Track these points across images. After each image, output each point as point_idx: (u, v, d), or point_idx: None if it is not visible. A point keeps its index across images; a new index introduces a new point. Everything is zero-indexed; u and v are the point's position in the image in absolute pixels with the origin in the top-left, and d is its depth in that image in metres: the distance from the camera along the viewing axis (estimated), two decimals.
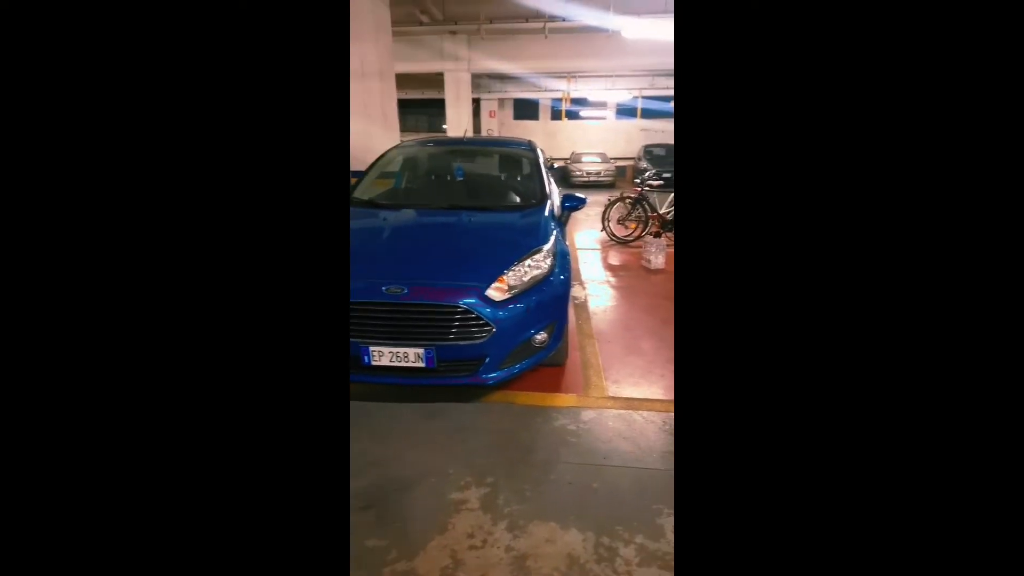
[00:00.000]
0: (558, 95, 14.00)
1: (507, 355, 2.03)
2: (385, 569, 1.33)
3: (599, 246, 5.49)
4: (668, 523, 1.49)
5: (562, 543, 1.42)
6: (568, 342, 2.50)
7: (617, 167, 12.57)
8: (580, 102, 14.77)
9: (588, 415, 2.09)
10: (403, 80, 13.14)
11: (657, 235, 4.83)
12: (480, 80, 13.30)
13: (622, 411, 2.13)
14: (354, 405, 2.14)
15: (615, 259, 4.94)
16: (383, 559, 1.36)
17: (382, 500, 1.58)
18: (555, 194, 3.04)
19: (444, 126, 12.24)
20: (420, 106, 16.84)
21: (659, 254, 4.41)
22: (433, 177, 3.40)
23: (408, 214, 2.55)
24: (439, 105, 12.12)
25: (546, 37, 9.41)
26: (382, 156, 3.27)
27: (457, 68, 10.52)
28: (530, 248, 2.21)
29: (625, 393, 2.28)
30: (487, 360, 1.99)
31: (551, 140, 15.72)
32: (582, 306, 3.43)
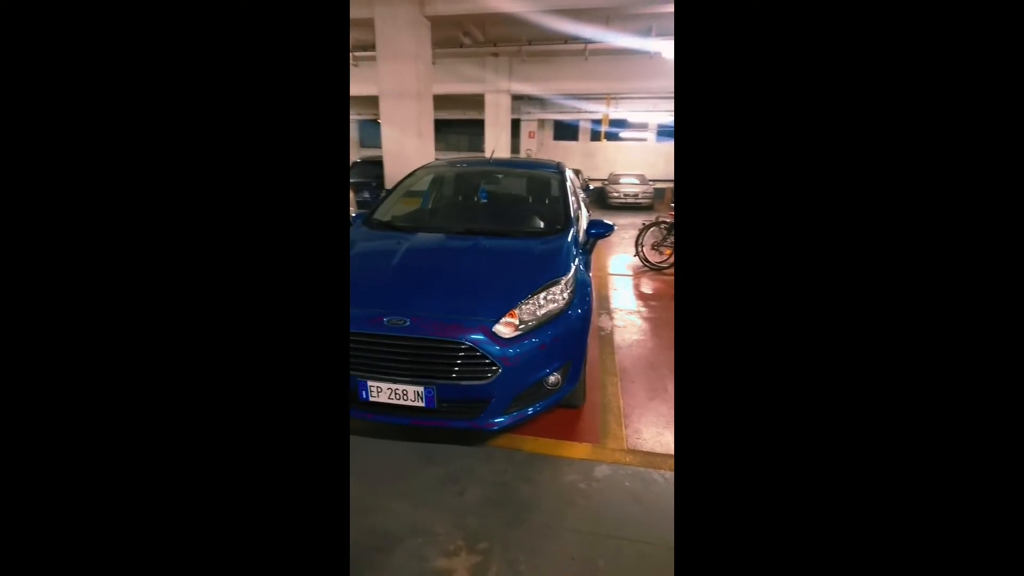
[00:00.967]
0: (597, 116, 13.89)
1: (514, 398, 1.85)
2: None
3: (631, 272, 5.23)
4: None
5: None
6: (586, 381, 2.29)
7: (656, 189, 12.24)
8: (620, 123, 14.61)
9: (602, 471, 1.87)
10: (445, 101, 13.45)
11: None
12: (520, 101, 13.40)
13: (640, 468, 1.89)
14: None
15: (647, 287, 4.68)
16: None
17: (359, 560, 1.42)
18: (582, 219, 2.87)
19: (485, 146, 12.35)
20: (462, 126, 17.16)
21: None
22: (459, 198, 3.30)
23: (422, 238, 2.43)
24: (480, 125, 12.26)
25: (586, 59, 9.36)
26: (408, 176, 3.20)
27: (497, 89, 10.62)
28: (547, 279, 2.03)
29: (646, 446, 2.04)
30: (492, 402, 1.81)
31: (589, 160, 15.59)
32: (607, 339, 3.20)
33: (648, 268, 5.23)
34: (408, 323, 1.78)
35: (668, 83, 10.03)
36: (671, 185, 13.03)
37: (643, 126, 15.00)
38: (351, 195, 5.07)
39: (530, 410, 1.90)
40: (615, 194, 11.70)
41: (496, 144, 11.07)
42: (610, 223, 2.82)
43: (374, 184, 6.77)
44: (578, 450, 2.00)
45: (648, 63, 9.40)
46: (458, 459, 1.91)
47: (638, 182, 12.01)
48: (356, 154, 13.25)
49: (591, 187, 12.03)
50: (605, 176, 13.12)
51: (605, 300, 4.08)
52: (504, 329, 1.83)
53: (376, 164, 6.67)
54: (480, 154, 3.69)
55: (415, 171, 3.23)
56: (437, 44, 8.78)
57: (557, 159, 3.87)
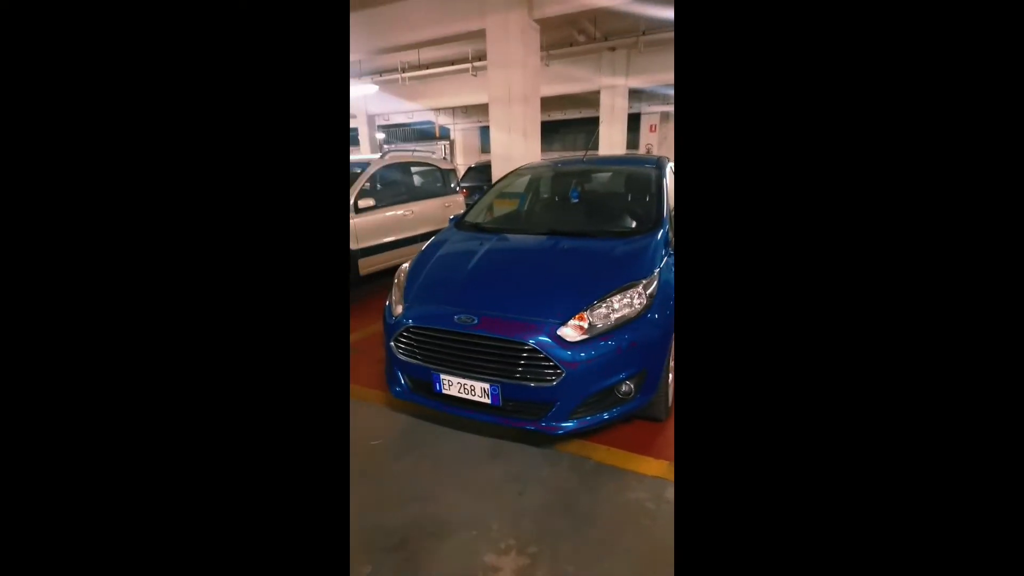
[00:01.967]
0: None
1: (580, 403, 1.79)
2: None
3: None
4: None
5: None
6: (670, 393, 2.12)
7: None
8: None
9: (673, 493, 1.71)
10: (560, 101, 13.47)
11: None
12: (641, 93, 12.83)
13: None
14: (422, 427, 2.14)
15: None
16: None
17: (414, 543, 1.51)
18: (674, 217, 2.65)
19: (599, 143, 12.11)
20: (579, 124, 17.05)
21: None
22: (553, 199, 3.30)
23: (504, 240, 2.48)
24: (597, 123, 12.05)
25: None
26: (501, 179, 3.29)
27: (613, 85, 10.32)
28: (623, 282, 1.93)
29: None
30: (556, 406, 1.78)
31: None
32: None
33: None
34: (476, 321, 1.84)
35: None
36: None
37: None
38: (461, 197, 5.36)
39: (598, 417, 1.82)
40: None
41: (614, 141, 10.77)
42: None
43: (485, 188, 7.12)
44: (652, 467, 1.86)
45: None
46: (524, 459, 1.91)
47: None
48: (477, 159, 14.03)
49: None
50: None
51: None
52: (571, 332, 1.78)
53: (485, 169, 6.98)
54: (583, 153, 3.62)
55: (507, 175, 3.30)
56: (551, 46, 8.85)
57: None
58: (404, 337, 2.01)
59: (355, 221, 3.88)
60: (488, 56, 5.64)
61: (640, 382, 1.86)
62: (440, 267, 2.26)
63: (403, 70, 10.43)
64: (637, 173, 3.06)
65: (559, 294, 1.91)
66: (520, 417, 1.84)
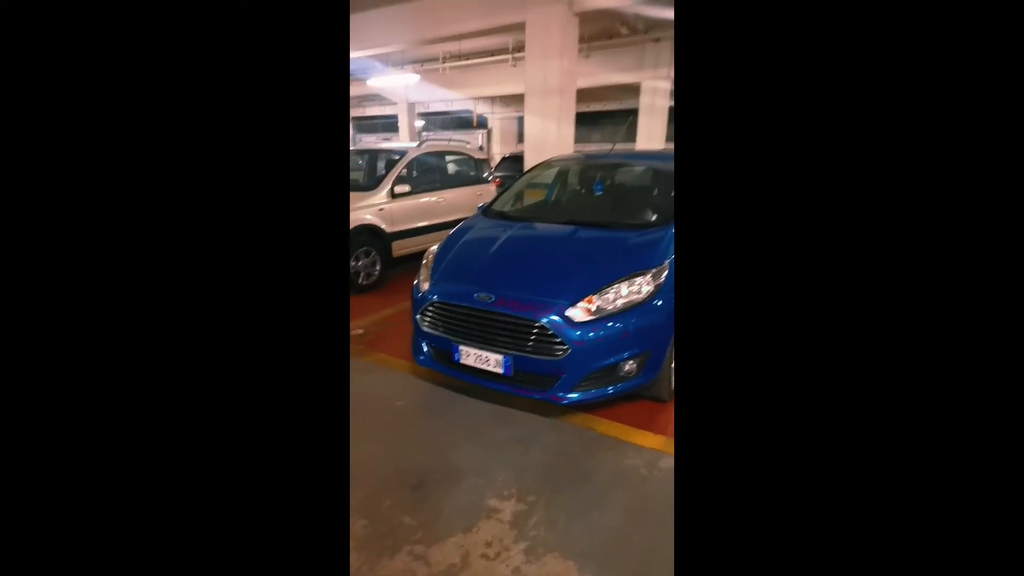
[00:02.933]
0: None
1: (584, 377, 1.97)
2: (405, 546, 1.47)
3: None
4: None
5: None
6: (673, 375, 2.25)
7: None
8: None
9: (667, 463, 1.86)
10: (600, 92, 13.34)
11: None
12: None
13: None
14: (440, 393, 2.37)
15: None
16: (409, 537, 1.51)
17: (430, 484, 1.73)
18: None
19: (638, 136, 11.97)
20: (620, 116, 16.82)
21: None
22: (578, 190, 3.44)
23: (526, 227, 2.66)
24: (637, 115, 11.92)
25: None
26: (529, 171, 3.46)
27: (656, 76, 10.18)
28: (633, 269, 2.08)
29: None
30: (562, 378, 1.96)
31: None
32: None
33: None
34: (493, 299, 2.04)
35: None
36: None
37: None
38: (494, 187, 5.55)
39: (601, 391, 1.99)
40: None
41: (654, 134, 10.65)
42: None
43: (516, 177, 7.26)
44: (651, 440, 2.01)
45: None
46: (532, 425, 2.11)
47: None
48: (513, 148, 14.14)
49: None
50: None
51: None
52: (578, 312, 1.95)
53: (520, 158, 7.13)
54: (611, 146, 3.74)
55: (536, 166, 3.47)
56: (592, 37, 8.83)
57: None
58: (429, 311, 2.24)
59: (390, 206, 4.15)
60: (527, 48, 5.76)
61: (643, 362, 2.02)
62: (465, 250, 2.46)
63: (444, 60, 10.66)
64: (659, 168, 3.16)
65: (571, 278, 2.08)
66: (528, 387, 2.04)
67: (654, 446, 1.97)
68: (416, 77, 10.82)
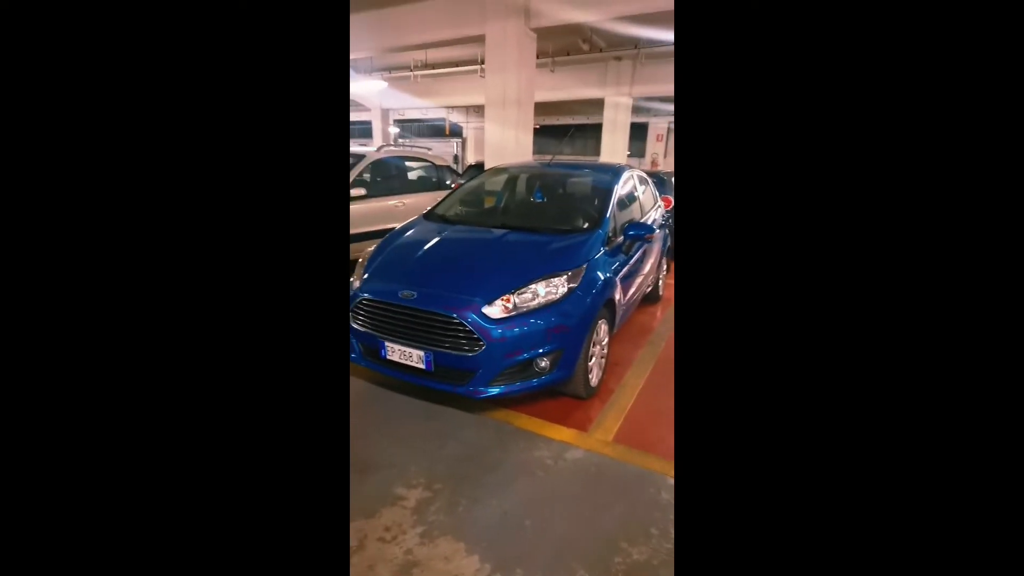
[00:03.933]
0: None
1: (499, 373, 2.06)
2: None
3: None
4: None
5: (456, 565, 1.41)
6: (592, 374, 2.38)
7: None
8: None
9: (573, 454, 1.97)
10: (569, 106, 13.68)
11: None
12: (649, 103, 13.04)
13: (610, 458, 1.94)
14: (370, 389, 2.42)
15: None
16: None
17: None
18: (618, 219, 2.85)
19: (602, 150, 12.30)
20: (591, 130, 17.27)
21: None
22: (517, 197, 3.56)
23: (458, 230, 2.75)
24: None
25: None
26: (472, 179, 3.58)
27: (617, 93, 10.55)
28: (550, 271, 2.19)
29: (631, 441, 2.07)
30: (478, 373, 2.05)
31: None
32: (658, 342, 3.16)
33: None
34: (416, 296, 2.11)
35: None
36: None
37: None
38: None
39: (516, 386, 2.09)
40: None
41: (617, 149, 10.98)
42: (652, 226, 2.82)
43: None
44: (562, 433, 2.12)
45: None
46: (454, 421, 2.18)
47: None
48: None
49: None
50: None
51: (668, 301, 3.95)
52: (494, 310, 2.05)
53: (483, 167, 7.29)
54: (550, 157, 3.90)
55: (479, 175, 3.59)
56: (558, 52, 9.10)
57: None
58: (358, 308, 2.30)
59: None
60: (487, 60, 5.93)
61: (556, 359, 2.12)
62: (397, 250, 2.54)
63: (414, 68, 10.77)
64: (592, 179, 3.32)
65: (492, 277, 2.18)
66: (448, 382, 2.11)
67: (564, 439, 2.07)
68: (384, 84, 10.86)
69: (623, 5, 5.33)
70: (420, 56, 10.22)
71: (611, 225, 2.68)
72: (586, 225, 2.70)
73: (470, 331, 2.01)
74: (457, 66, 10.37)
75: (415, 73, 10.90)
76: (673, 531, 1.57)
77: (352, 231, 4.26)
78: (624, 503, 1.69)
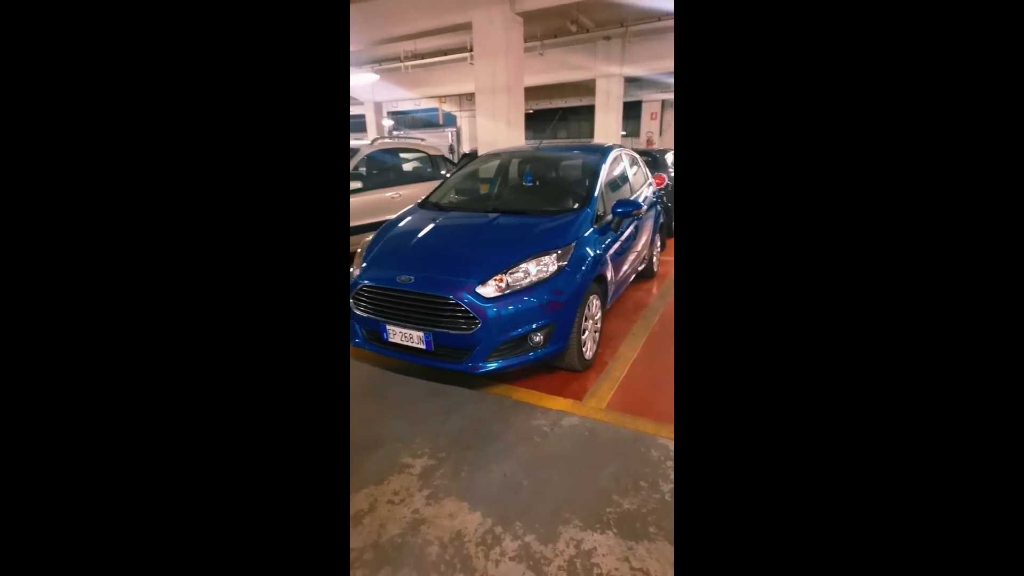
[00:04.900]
0: None
1: (495, 349, 2.17)
2: None
3: None
4: (567, 532, 1.47)
5: (460, 520, 1.54)
6: (587, 347, 2.48)
7: None
8: None
9: (569, 421, 2.09)
10: (561, 89, 13.59)
11: None
12: (641, 81, 12.95)
13: (604, 423, 2.06)
14: (376, 372, 2.55)
15: None
16: None
17: (353, 452, 1.91)
18: (606, 198, 2.93)
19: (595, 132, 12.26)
20: (587, 112, 17.16)
21: None
22: (508, 182, 3.64)
23: (452, 216, 2.85)
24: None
25: None
26: (463, 166, 3.66)
27: (608, 74, 10.49)
28: (540, 250, 2.29)
29: (625, 408, 2.18)
30: (476, 350, 2.16)
31: None
32: (651, 315, 3.26)
33: None
34: (413, 280, 2.22)
35: None
36: None
37: None
38: None
39: (513, 360, 2.20)
40: None
41: (610, 130, 10.96)
42: (640, 203, 2.90)
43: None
44: (558, 403, 2.23)
45: None
46: (456, 398, 2.30)
47: None
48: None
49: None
50: None
51: (663, 277, 4.04)
52: (488, 290, 2.15)
53: (475, 156, 7.35)
54: (538, 142, 3.97)
55: (471, 162, 3.66)
56: (545, 35, 9.06)
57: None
58: (359, 295, 2.41)
59: None
60: (474, 47, 5.95)
61: (549, 334, 2.23)
62: (393, 238, 2.64)
63: (404, 59, 10.74)
64: (580, 160, 3.40)
65: (485, 259, 2.28)
66: (448, 360, 2.23)
67: (561, 408, 2.19)
68: (375, 77, 10.84)
69: None
70: (410, 47, 10.19)
71: (599, 204, 2.77)
72: (575, 205, 2.78)
73: (466, 311, 2.12)
74: (447, 55, 10.35)
75: (405, 64, 10.88)
76: (661, 483, 1.69)
77: (350, 224, 4.37)
78: (616, 462, 1.81)
